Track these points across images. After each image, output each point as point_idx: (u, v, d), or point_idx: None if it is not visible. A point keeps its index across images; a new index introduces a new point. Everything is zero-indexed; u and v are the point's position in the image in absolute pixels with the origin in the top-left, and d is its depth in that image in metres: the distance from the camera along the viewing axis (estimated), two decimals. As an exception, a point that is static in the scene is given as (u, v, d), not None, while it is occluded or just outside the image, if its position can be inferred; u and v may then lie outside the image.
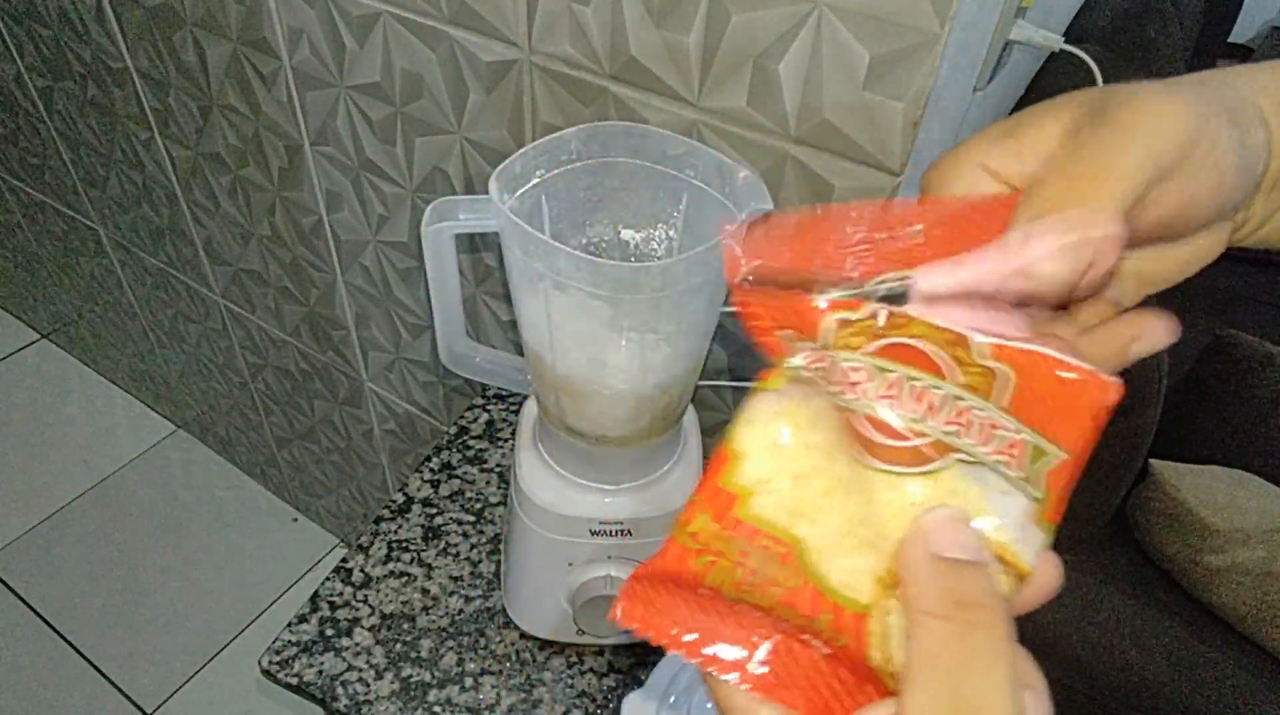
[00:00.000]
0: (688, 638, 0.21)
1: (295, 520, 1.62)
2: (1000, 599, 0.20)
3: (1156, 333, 0.26)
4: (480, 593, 0.67)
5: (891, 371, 0.21)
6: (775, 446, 0.22)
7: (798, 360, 0.22)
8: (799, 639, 0.21)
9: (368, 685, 0.60)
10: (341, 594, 0.66)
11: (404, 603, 0.66)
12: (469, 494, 0.74)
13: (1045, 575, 0.23)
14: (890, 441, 0.21)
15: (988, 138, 0.25)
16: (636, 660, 0.63)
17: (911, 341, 0.21)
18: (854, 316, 0.22)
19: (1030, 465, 0.22)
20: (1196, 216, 0.24)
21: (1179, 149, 0.22)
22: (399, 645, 0.63)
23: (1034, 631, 0.93)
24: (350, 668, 0.61)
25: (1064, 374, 0.21)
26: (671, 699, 0.56)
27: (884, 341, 0.21)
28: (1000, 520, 0.22)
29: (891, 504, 0.21)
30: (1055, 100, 0.25)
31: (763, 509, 0.22)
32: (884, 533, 0.21)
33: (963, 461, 0.21)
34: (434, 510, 0.72)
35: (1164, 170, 0.22)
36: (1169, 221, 0.23)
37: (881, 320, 0.21)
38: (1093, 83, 0.64)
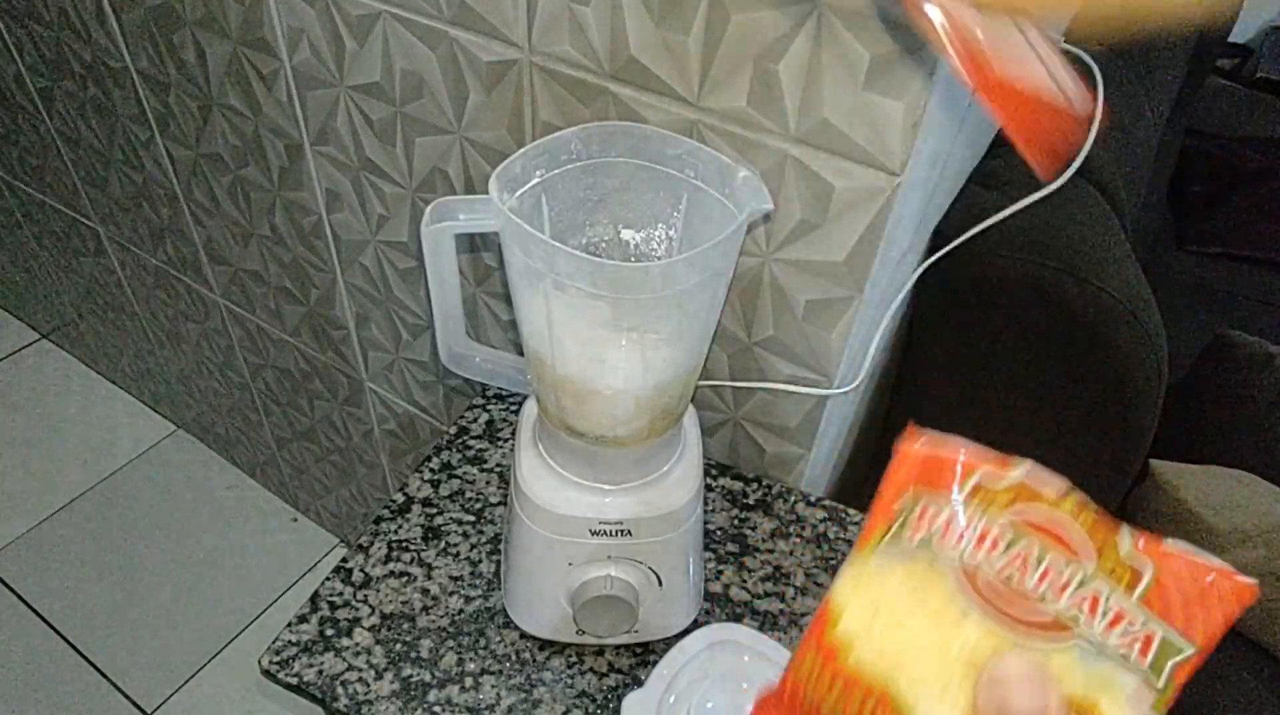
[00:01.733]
0: None
1: (295, 520, 1.62)
2: None
3: None
4: (480, 593, 0.67)
5: (1022, 541, 0.22)
6: (875, 600, 0.23)
7: (897, 528, 0.23)
8: None
9: (368, 685, 0.60)
10: (341, 594, 0.66)
11: (404, 603, 0.66)
12: (469, 494, 0.74)
13: None
14: (1010, 609, 0.22)
15: None
16: (636, 660, 0.63)
17: (1053, 518, 0.22)
18: (1000, 483, 0.23)
19: (1157, 657, 0.23)
20: None
21: None
22: (399, 645, 0.63)
23: (1034, 631, 0.93)
24: (350, 668, 0.61)
25: (1205, 577, 0.22)
26: (671, 699, 0.56)
27: (1024, 512, 0.23)
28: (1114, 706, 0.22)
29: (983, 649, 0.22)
30: None
31: (861, 655, 0.23)
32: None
33: (1080, 646, 0.22)
34: (434, 510, 0.72)
35: None
36: None
37: (1016, 488, 0.23)
38: (1092, 83, 0.64)
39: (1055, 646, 0.22)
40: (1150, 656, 0.22)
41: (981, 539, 0.22)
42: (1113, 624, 0.22)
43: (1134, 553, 0.22)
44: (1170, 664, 0.22)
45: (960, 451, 0.23)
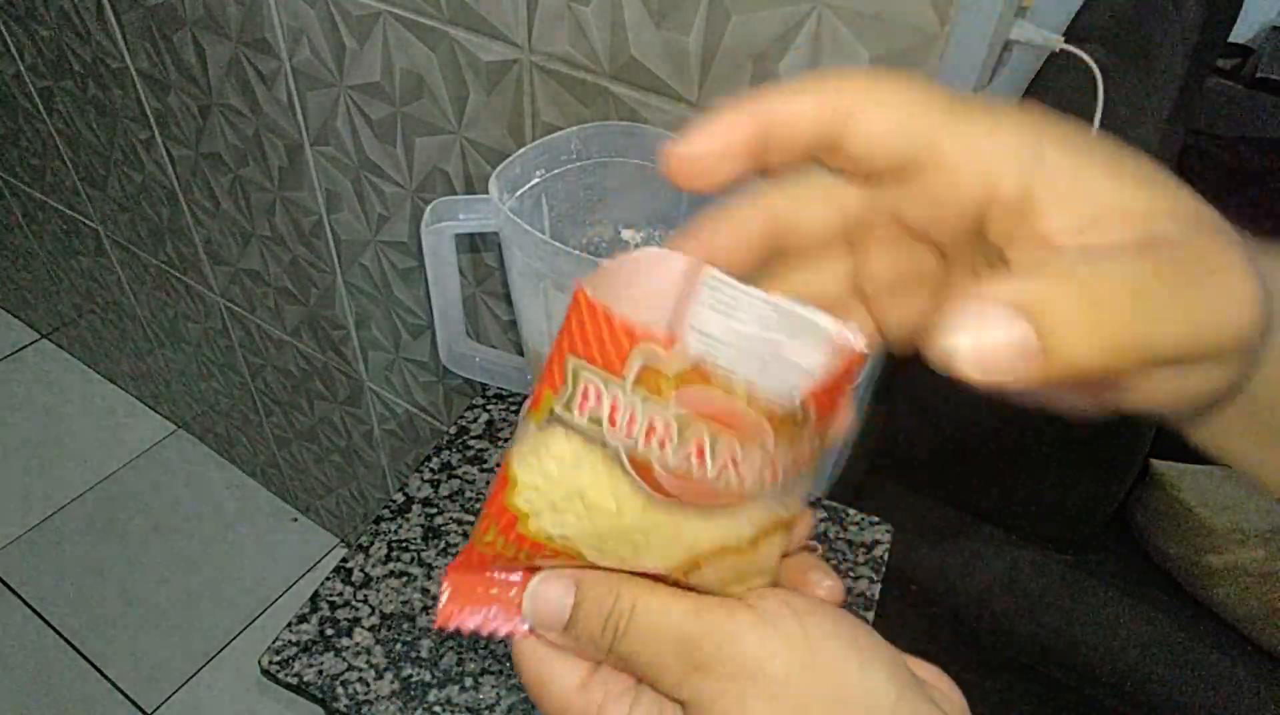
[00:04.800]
0: (480, 621, 0.24)
1: (295, 520, 1.62)
2: (602, 603, 0.23)
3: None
4: (480, 593, 0.67)
5: (699, 429, 0.20)
6: (545, 478, 0.22)
7: (561, 407, 0.21)
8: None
9: (368, 685, 0.60)
10: (341, 594, 0.66)
11: (404, 603, 0.66)
12: (469, 494, 0.74)
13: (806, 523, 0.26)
14: (686, 487, 0.21)
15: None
16: (636, 660, 0.63)
17: (727, 401, 0.20)
18: (662, 364, 0.20)
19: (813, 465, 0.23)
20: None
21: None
22: (399, 645, 0.63)
23: (1036, 632, 0.93)
24: (350, 668, 0.61)
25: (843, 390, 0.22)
26: None
27: (698, 393, 0.20)
28: (789, 511, 0.23)
29: (668, 531, 0.22)
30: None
31: (541, 527, 0.22)
32: (669, 551, 0.22)
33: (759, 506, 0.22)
34: (434, 510, 0.72)
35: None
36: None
37: (686, 366, 0.20)
38: (1092, 83, 0.64)
39: (737, 515, 0.22)
40: (811, 465, 0.23)
41: (650, 432, 0.20)
42: (773, 473, 0.22)
43: (806, 408, 0.21)
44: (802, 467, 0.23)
45: (623, 317, 0.20)
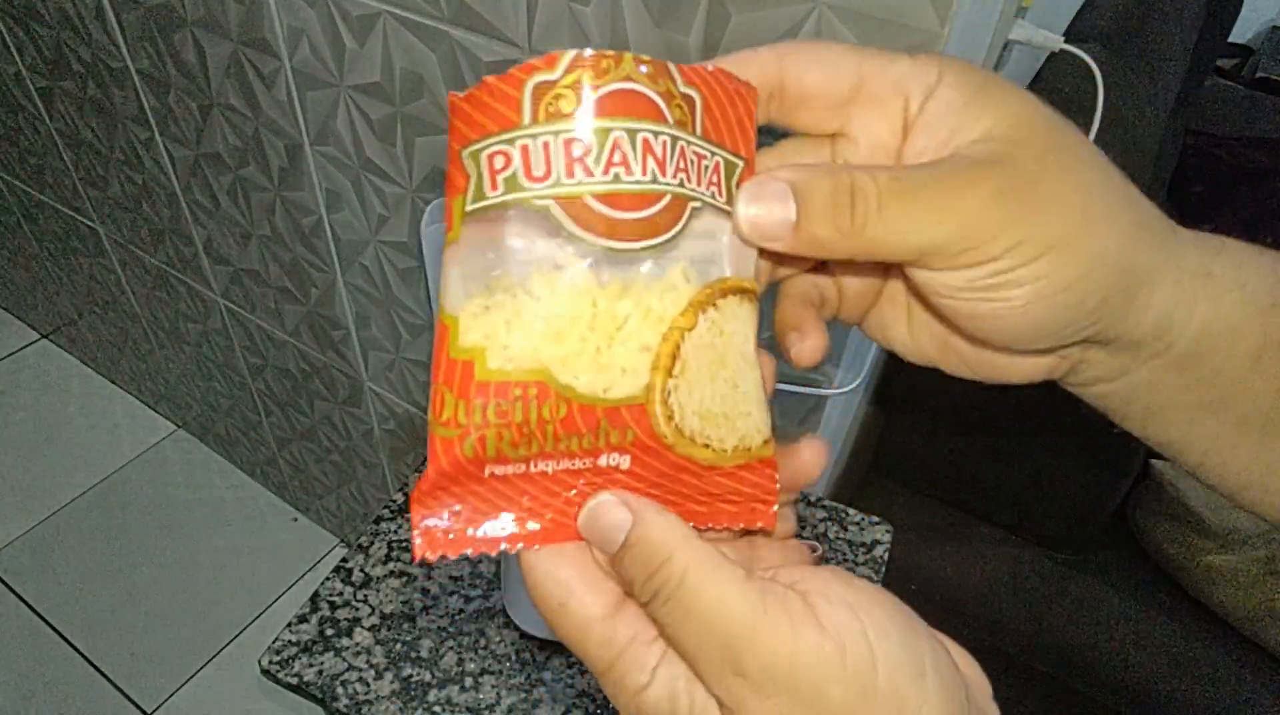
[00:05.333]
0: (488, 532, 0.21)
1: (295, 520, 1.62)
2: (660, 547, 0.20)
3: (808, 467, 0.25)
4: (480, 593, 0.67)
5: (612, 129, 0.19)
6: (480, 303, 0.20)
7: (474, 200, 0.19)
8: (563, 481, 0.21)
9: (368, 685, 0.60)
10: (341, 594, 0.66)
11: (404, 603, 0.66)
12: (469, 494, 0.74)
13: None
14: (623, 215, 0.19)
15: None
16: (636, 660, 0.63)
17: (626, 85, 0.19)
18: (554, 75, 0.19)
19: (727, 183, 0.21)
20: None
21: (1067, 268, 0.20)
22: (399, 645, 0.63)
23: (1036, 631, 0.93)
24: (350, 668, 0.61)
25: (729, 85, 0.21)
26: None
27: (599, 92, 0.19)
28: (729, 267, 0.22)
29: (630, 294, 0.20)
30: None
31: (499, 361, 0.20)
32: (634, 320, 0.20)
33: (693, 213, 0.20)
34: (434, 510, 0.72)
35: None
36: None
37: (589, 69, 0.19)
38: (1092, 83, 0.64)
39: (677, 232, 0.20)
40: (724, 187, 0.21)
41: (569, 161, 0.19)
42: (699, 173, 0.20)
43: (685, 87, 0.20)
44: (734, 184, 0.21)
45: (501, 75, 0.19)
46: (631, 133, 0.19)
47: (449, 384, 0.20)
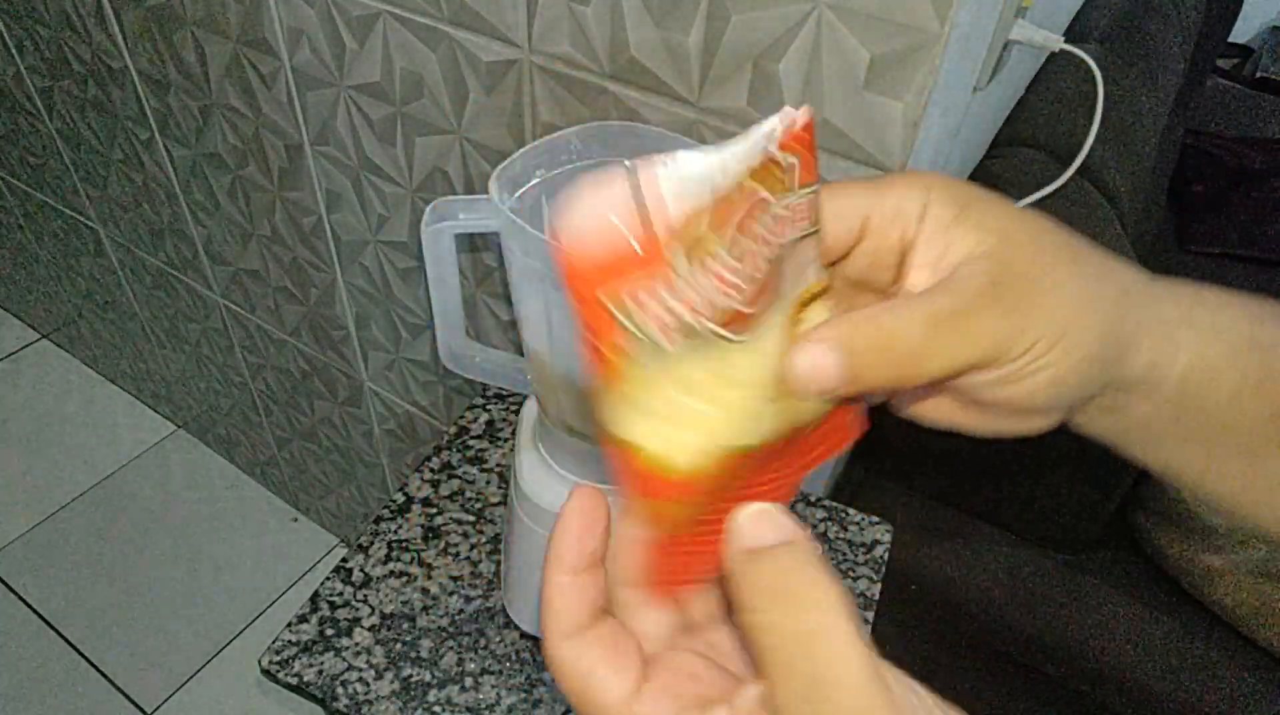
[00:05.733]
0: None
1: (295, 520, 1.62)
2: (817, 574, 0.21)
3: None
4: (480, 593, 0.67)
5: (736, 246, 0.21)
6: (661, 405, 0.21)
7: (644, 324, 0.20)
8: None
9: (368, 685, 0.60)
10: (341, 594, 0.66)
11: (404, 603, 0.66)
12: (469, 494, 0.74)
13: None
14: (755, 296, 0.22)
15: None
16: (636, 660, 0.63)
17: (731, 202, 0.21)
18: (695, 228, 0.20)
19: (813, 211, 0.23)
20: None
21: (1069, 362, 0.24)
22: (399, 645, 0.63)
23: (1036, 632, 0.93)
24: (350, 668, 0.61)
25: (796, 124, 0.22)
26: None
27: (718, 220, 0.21)
28: (813, 275, 0.24)
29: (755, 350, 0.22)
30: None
31: (686, 462, 0.22)
32: (759, 368, 0.23)
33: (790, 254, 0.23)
34: (434, 510, 0.72)
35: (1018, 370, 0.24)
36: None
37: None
38: (1092, 83, 0.64)
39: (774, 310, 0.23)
40: (812, 216, 0.23)
41: (721, 283, 0.21)
42: (798, 218, 0.23)
43: (788, 157, 0.22)
44: (817, 213, 0.24)
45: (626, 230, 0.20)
46: (749, 232, 0.21)
47: (646, 494, 0.22)
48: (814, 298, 0.24)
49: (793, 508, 0.73)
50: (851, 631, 0.20)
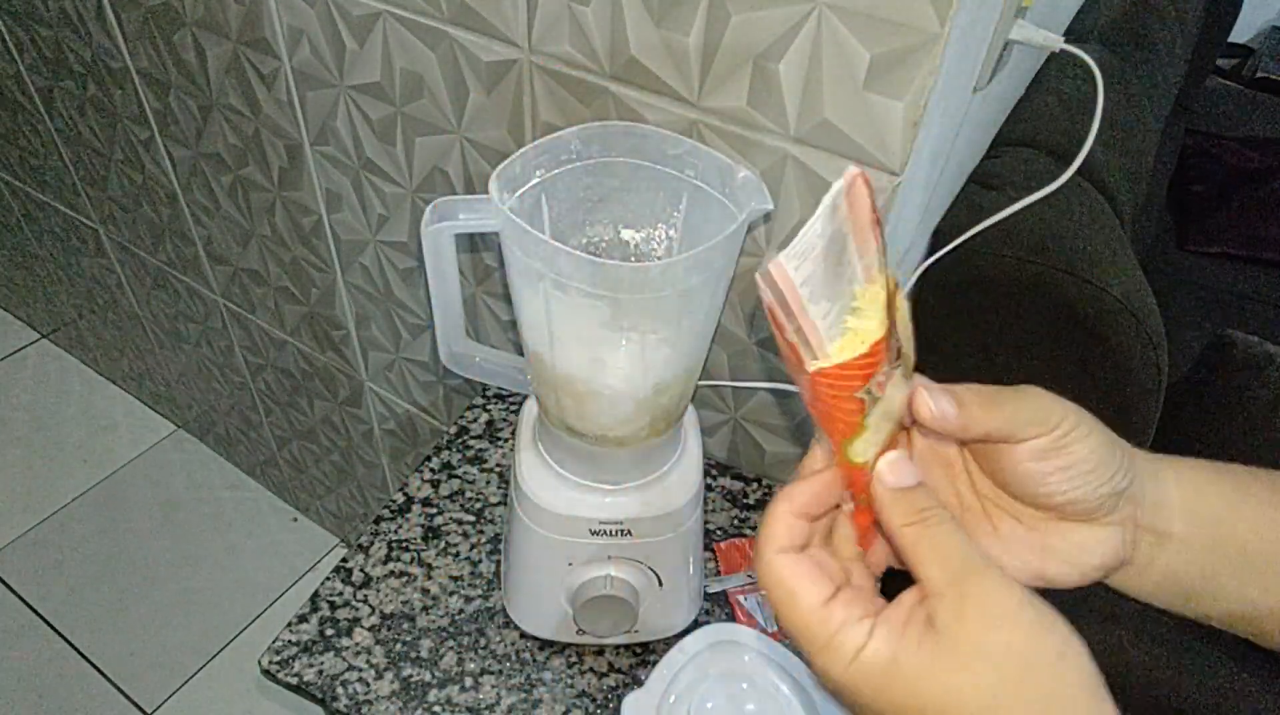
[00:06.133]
0: None
1: (295, 520, 1.62)
2: (939, 501, 0.31)
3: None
4: (480, 593, 0.67)
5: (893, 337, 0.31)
6: (873, 432, 0.32)
7: (870, 403, 0.31)
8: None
9: (368, 685, 0.60)
10: (341, 594, 0.66)
11: (404, 603, 0.66)
12: (469, 494, 0.74)
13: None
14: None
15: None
16: (636, 660, 0.63)
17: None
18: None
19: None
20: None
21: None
22: (399, 645, 0.63)
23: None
24: (350, 667, 0.61)
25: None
26: (671, 699, 0.56)
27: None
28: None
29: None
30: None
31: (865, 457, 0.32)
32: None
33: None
34: (434, 510, 0.72)
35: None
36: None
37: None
38: (1092, 83, 0.64)
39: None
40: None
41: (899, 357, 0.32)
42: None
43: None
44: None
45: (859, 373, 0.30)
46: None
47: (855, 489, 0.33)
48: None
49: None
50: (962, 537, 0.29)
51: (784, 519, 0.31)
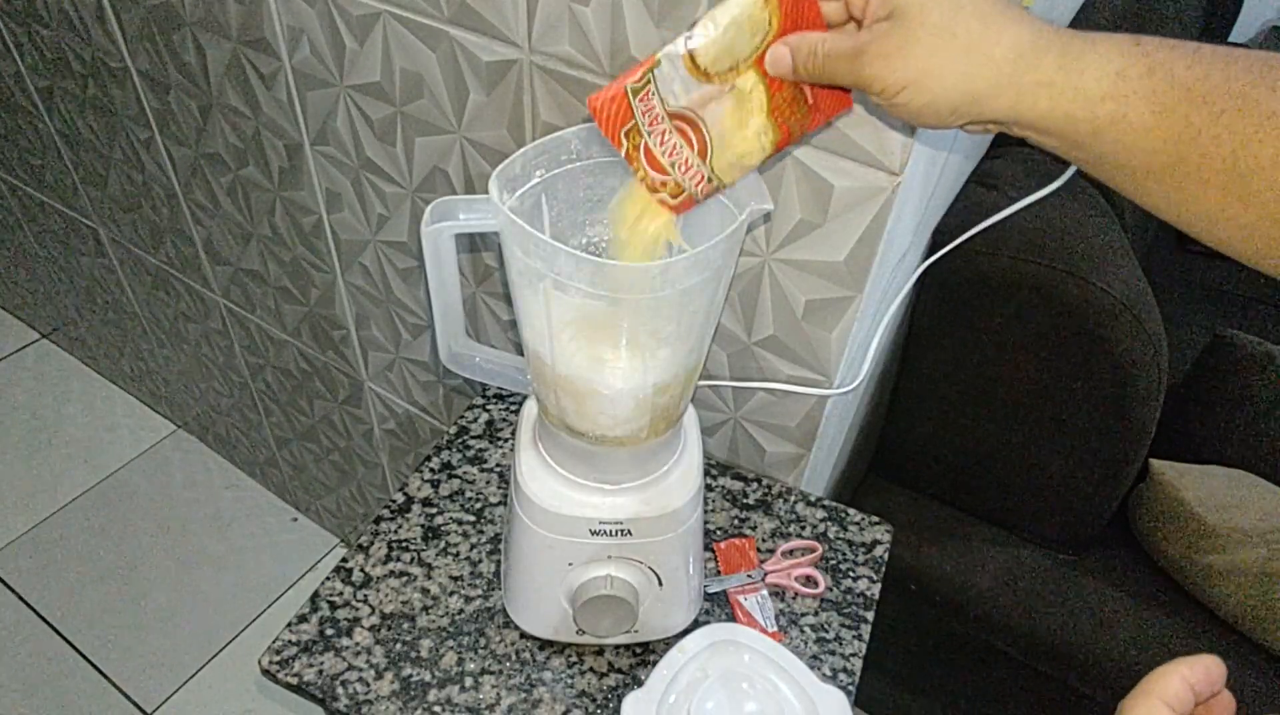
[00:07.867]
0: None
1: (295, 520, 1.62)
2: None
3: None
4: (480, 593, 0.67)
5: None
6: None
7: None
8: None
9: (368, 685, 0.60)
10: (341, 594, 0.66)
11: (404, 603, 0.66)
12: (469, 494, 0.74)
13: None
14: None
15: None
16: (636, 660, 0.63)
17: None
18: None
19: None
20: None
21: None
22: (399, 645, 0.63)
23: (1036, 631, 0.93)
24: (350, 667, 0.61)
25: None
26: (671, 699, 0.56)
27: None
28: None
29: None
30: None
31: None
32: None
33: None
34: (434, 510, 0.72)
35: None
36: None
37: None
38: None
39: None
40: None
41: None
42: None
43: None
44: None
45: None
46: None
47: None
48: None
49: (794, 508, 0.73)
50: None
51: (1180, 683, 0.32)
